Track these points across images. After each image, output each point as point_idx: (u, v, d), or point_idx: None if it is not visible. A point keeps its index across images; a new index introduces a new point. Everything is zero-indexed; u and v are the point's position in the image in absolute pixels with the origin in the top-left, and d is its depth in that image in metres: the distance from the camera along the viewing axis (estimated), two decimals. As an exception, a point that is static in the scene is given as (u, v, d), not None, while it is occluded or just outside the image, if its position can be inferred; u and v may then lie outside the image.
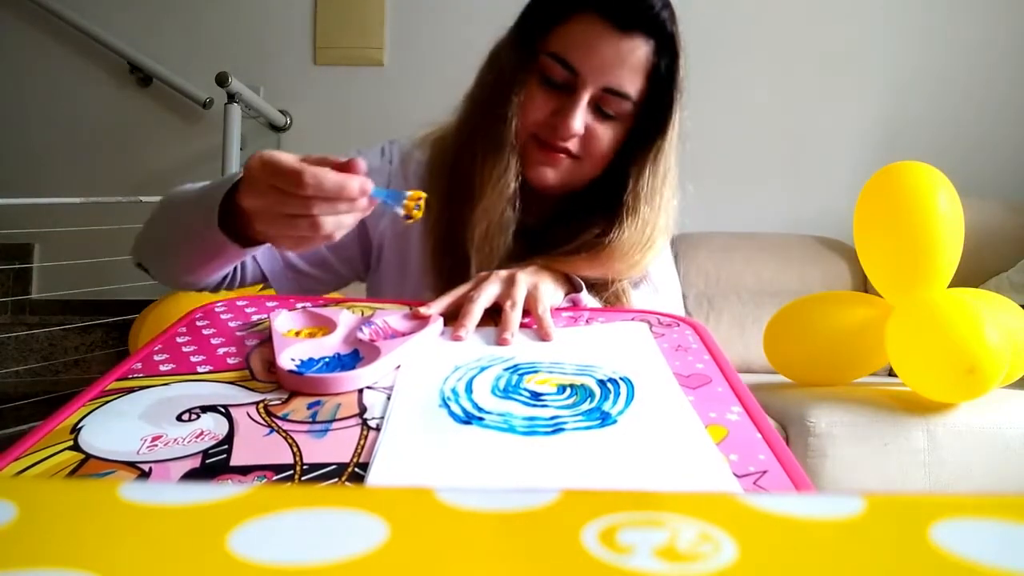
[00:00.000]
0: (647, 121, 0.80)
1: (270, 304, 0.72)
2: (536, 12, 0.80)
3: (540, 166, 0.81)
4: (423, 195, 0.62)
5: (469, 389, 0.53)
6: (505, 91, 0.80)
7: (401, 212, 0.62)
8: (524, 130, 0.80)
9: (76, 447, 0.45)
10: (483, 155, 0.82)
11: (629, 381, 0.54)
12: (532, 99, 0.79)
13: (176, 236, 0.77)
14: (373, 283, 0.95)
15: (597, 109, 0.78)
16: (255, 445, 0.46)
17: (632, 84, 0.77)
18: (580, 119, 0.77)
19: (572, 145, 0.79)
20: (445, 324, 0.66)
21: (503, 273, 0.73)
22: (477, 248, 0.83)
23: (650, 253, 0.83)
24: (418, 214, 0.63)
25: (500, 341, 0.63)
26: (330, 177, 0.57)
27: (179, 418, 0.49)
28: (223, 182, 0.69)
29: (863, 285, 2.06)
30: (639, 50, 0.76)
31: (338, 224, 0.60)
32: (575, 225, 0.83)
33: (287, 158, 0.58)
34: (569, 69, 0.76)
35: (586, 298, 0.79)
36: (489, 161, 0.81)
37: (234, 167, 2.18)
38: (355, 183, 0.58)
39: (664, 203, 0.83)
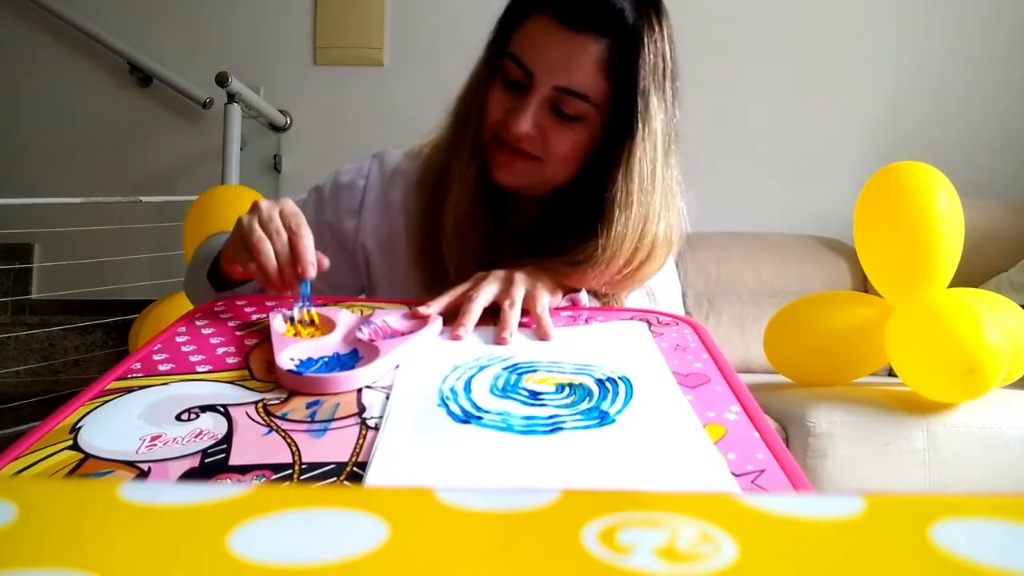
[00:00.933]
0: (615, 123, 0.77)
1: (269, 304, 0.72)
2: (504, 14, 0.80)
3: (499, 166, 0.80)
4: (316, 319, 0.67)
5: (468, 388, 0.53)
6: (477, 92, 0.81)
7: (296, 314, 0.66)
8: (487, 129, 0.80)
9: (75, 447, 0.45)
10: (452, 153, 0.83)
11: (628, 380, 0.54)
12: (493, 98, 0.79)
13: (201, 287, 0.86)
14: (369, 294, 0.96)
15: (556, 110, 0.76)
16: (254, 444, 0.46)
17: (586, 84, 0.75)
18: (529, 119, 0.76)
19: (528, 146, 0.78)
20: (444, 323, 0.66)
21: (501, 273, 0.73)
22: (447, 245, 0.83)
23: (645, 268, 0.81)
24: (302, 329, 0.66)
25: (499, 340, 0.63)
26: (304, 228, 0.68)
27: (178, 418, 0.49)
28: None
29: (863, 285, 2.06)
30: (589, 49, 0.74)
31: (264, 250, 0.67)
32: (563, 231, 0.81)
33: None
34: (524, 69, 0.76)
35: (585, 298, 0.79)
36: (455, 157, 0.82)
37: (234, 167, 2.17)
38: (312, 250, 0.67)
39: (652, 212, 0.78)
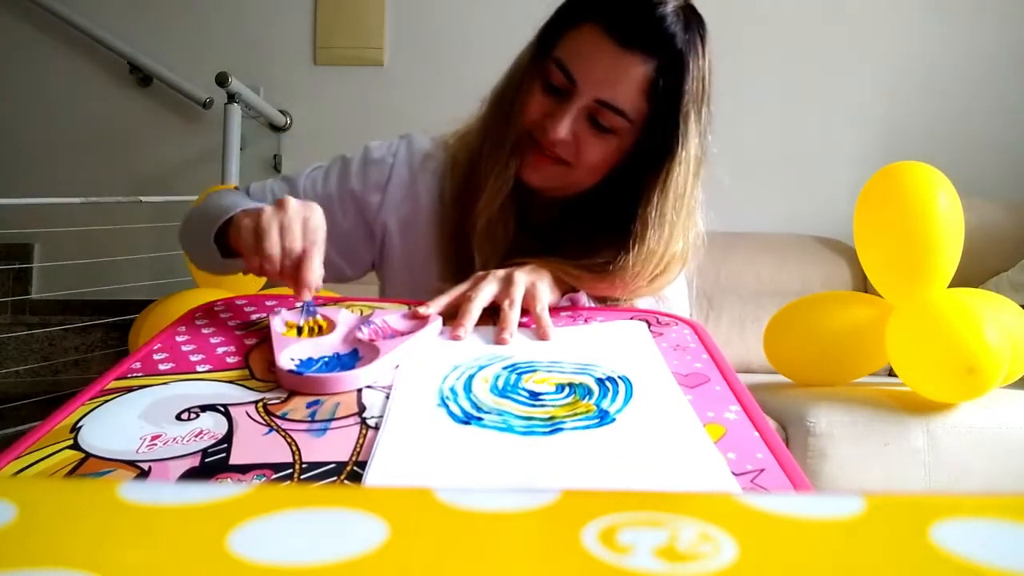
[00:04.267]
0: (653, 142, 0.79)
1: (269, 303, 0.72)
2: (554, 16, 0.81)
3: (529, 166, 0.82)
4: (323, 325, 0.66)
5: (468, 388, 0.53)
6: (516, 90, 0.81)
7: (300, 321, 0.65)
8: (521, 128, 0.81)
9: (75, 446, 0.45)
10: (488, 149, 0.84)
11: (628, 380, 0.54)
12: (532, 99, 0.80)
13: (199, 245, 0.83)
14: (382, 276, 0.96)
15: (592, 120, 0.78)
16: (254, 444, 0.46)
17: (626, 101, 0.76)
18: (566, 126, 0.77)
19: (561, 151, 0.79)
20: (444, 323, 0.66)
21: (501, 272, 0.73)
22: (479, 242, 0.84)
23: (658, 281, 0.83)
24: (304, 333, 0.65)
25: (499, 340, 0.63)
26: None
27: (178, 417, 0.49)
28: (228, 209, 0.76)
29: (863, 285, 2.06)
30: (636, 68, 0.75)
31: (271, 259, 0.65)
32: (586, 239, 0.83)
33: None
34: (568, 76, 0.77)
35: (584, 298, 0.79)
36: (492, 155, 0.83)
37: (234, 167, 2.17)
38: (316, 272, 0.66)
39: (677, 230, 0.81)
